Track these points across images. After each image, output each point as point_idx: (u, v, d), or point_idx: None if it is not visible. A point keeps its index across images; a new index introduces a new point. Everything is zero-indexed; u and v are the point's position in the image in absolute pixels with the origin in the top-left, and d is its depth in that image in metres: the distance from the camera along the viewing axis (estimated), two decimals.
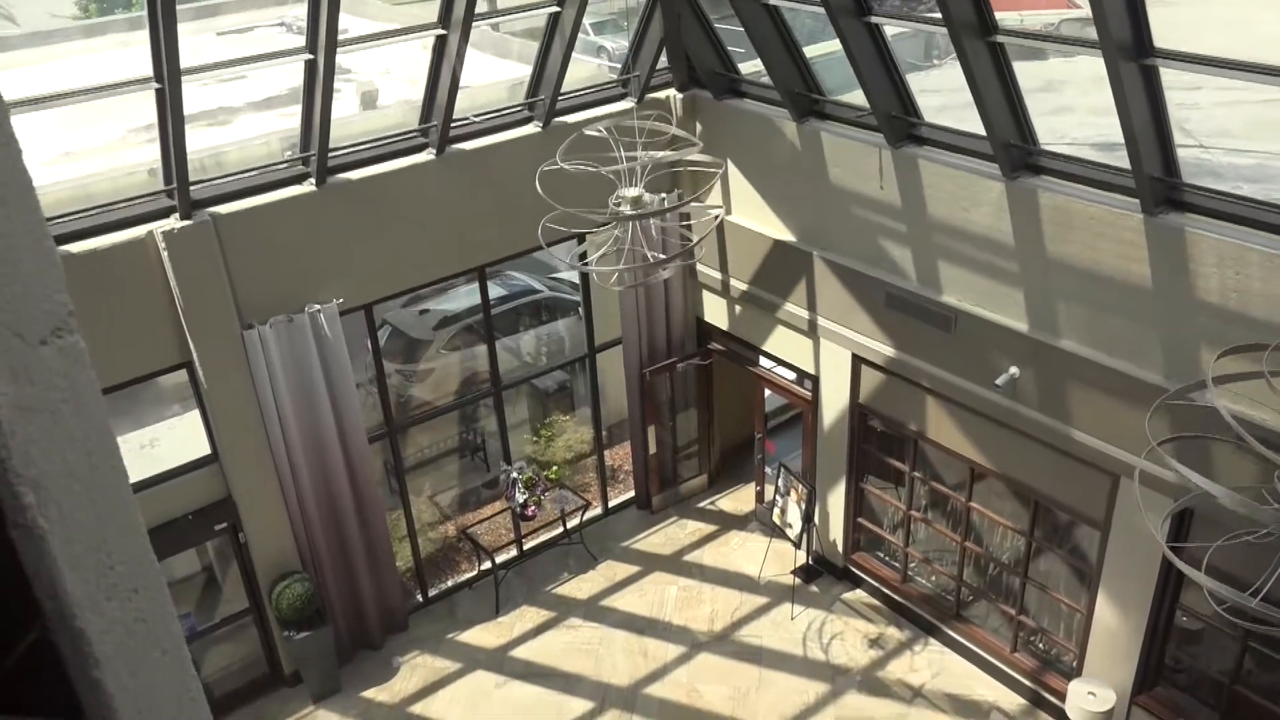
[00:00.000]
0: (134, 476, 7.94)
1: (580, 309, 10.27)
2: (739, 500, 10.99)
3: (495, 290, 12.31)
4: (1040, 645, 8.44)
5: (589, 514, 10.72)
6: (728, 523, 10.71)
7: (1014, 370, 7.35)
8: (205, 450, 8.06)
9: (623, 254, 6.28)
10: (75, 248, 6.90)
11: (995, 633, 8.66)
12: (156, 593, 0.99)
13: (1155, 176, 6.20)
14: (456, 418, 12.20)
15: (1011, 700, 8.45)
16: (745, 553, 10.27)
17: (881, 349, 8.34)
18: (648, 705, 8.63)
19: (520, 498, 9.52)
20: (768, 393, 11.18)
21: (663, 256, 6.90)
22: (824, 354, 8.97)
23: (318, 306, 7.94)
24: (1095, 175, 6.68)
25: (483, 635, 9.47)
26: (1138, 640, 7.41)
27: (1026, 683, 8.40)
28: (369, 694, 8.92)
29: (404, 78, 11.18)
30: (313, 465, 8.41)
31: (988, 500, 8.32)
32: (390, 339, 12.30)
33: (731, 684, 8.77)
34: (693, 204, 7.31)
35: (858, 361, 8.69)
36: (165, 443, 8.54)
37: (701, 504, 11.00)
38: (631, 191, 6.13)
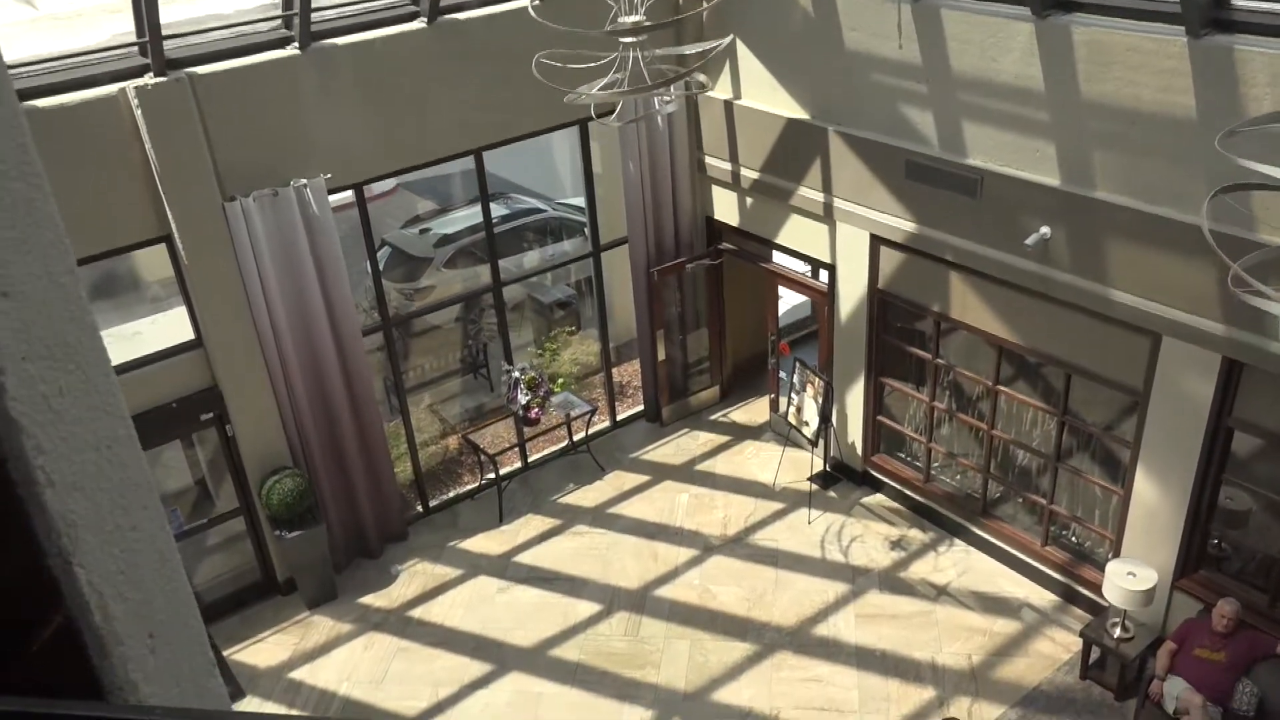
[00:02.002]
0: (114, 360, 7.55)
1: (584, 207, 9.80)
2: (753, 412, 10.53)
3: (498, 210, 11.89)
4: (1073, 538, 7.97)
5: (597, 427, 10.30)
6: (741, 434, 10.26)
7: (1045, 230, 6.87)
8: (189, 335, 7.65)
9: (624, 87, 5.81)
10: (42, 103, 6.48)
11: (1025, 528, 8.19)
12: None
13: None
14: (459, 339, 11.80)
15: (1042, 597, 7.99)
16: (759, 461, 9.81)
17: (901, 225, 7.86)
18: (658, 606, 8.20)
19: (523, 399, 9.08)
20: (782, 310, 10.74)
21: (668, 98, 6.43)
22: (840, 239, 8.49)
23: (304, 181, 7.51)
24: (1133, 4, 6.17)
25: (486, 543, 9.05)
26: (1179, 521, 6.93)
27: (1058, 577, 7.93)
28: (366, 600, 8.53)
29: None
30: (303, 355, 8.00)
31: (1016, 383, 7.84)
32: (390, 260, 11.90)
33: (746, 585, 8.33)
34: (695, 47, 6.83)
35: (876, 243, 8.20)
36: (149, 336, 8.13)
37: (713, 416, 10.55)
38: (632, 17, 5.66)
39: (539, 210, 12.55)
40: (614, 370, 10.61)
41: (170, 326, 7.91)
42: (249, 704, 7.60)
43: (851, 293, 8.60)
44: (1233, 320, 6.08)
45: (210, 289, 7.44)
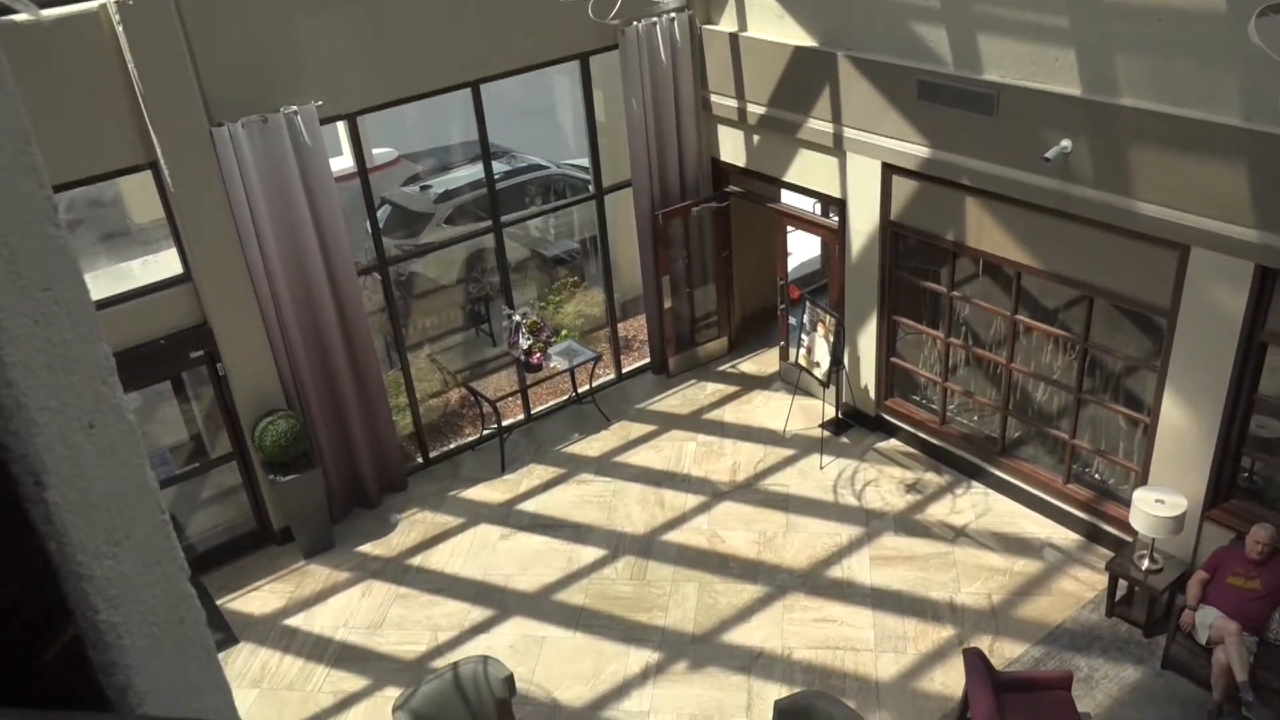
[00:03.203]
0: (99, 294, 7.31)
1: (589, 166, 9.52)
2: (762, 363, 10.24)
3: (500, 167, 11.63)
4: (1096, 474, 7.65)
5: (601, 379, 10.03)
6: (750, 384, 9.97)
7: (1066, 143, 6.56)
8: (177, 269, 7.40)
9: None
10: (19, 18, 6.24)
11: (1046, 467, 7.88)
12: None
13: None
14: (461, 300, 11.55)
15: (1065, 537, 7.68)
16: (769, 410, 9.52)
17: (915, 151, 7.56)
18: (665, 551, 7.92)
19: (524, 344, 8.80)
20: (792, 267, 10.43)
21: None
22: (851, 171, 8.19)
23: (295, 108, 7.26)
24: None
25: (487, 492, 8.79)
26: (1209, 447, 6.61)
27: (1081, 515, 7.62)
28: (364, 548, 8.27)
29: None
30: (296, 292, 7.74)
31: (1035, 312, 7.54)
32: (390, 218, 11.66)
33: (756, 529, 8.04)
34: None
35: (888, 172, 7.91)
36: (139, 276, 7.88)
37: (721, 367, 10.26)
38: None
39: (542, 167, 12.29)
40: (619, 325, 10.33)
41: (160, 266, 7.67)
42: (241, 651, 7.35)
43: (863, 228, 8.30)
44: (1267, 224, 5.78)
45: (198, 220, 7.19)
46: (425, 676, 6.00)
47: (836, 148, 8.21)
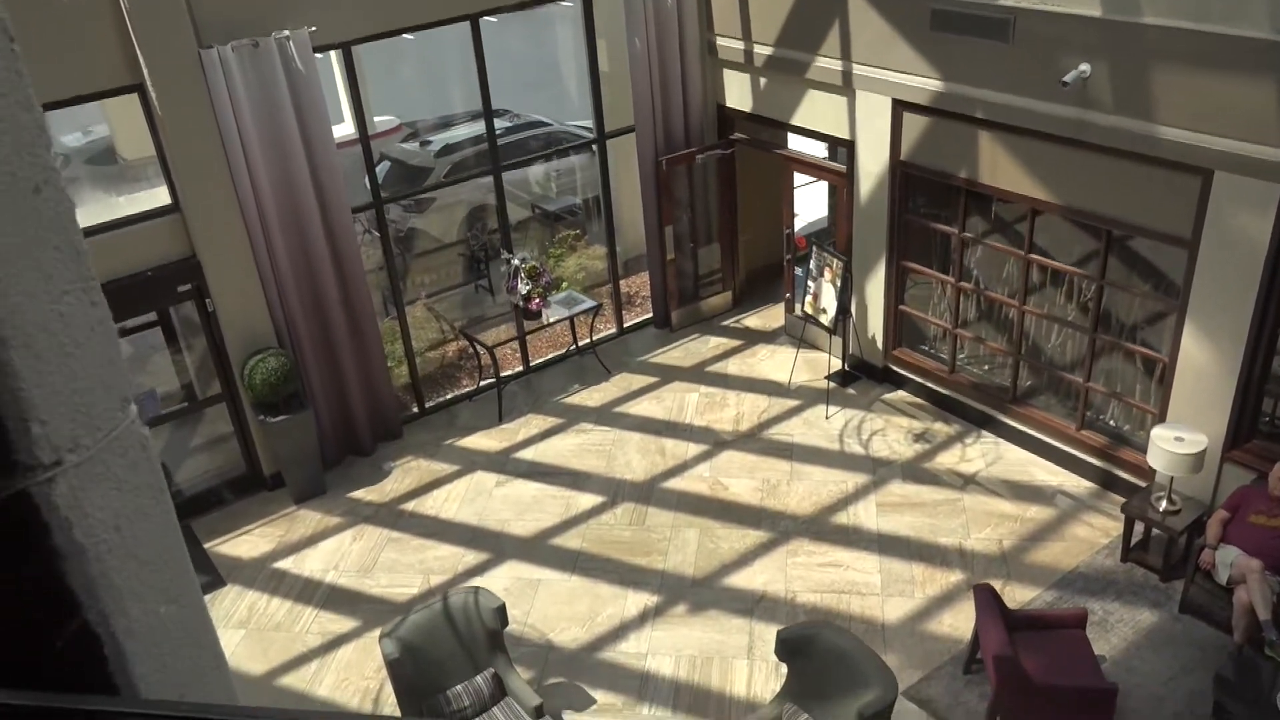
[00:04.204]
0: (84, 221, 7.10)
1: (591, 127, 9.29)
2: (767, 318, 10.01)
3: (502, 124, 11.41)
4: (1111, 421, 7.41)
5: (603, 333, 9.81)
6: (754, 338, 9.75)
7: (1085, 67, 6.32)
8: (165, 200, 7.19)
9: None
10: None
11: (1059, 413, 7.64)
12: None
13: None
14: (460, 261, 11.33)
15: (1078, 484, 7.44)
16: (774, 363, 9.29)
17: (926, 85, 7.33)
18: (665, 498, 7.69)
19: (523, 289, 8.58)
20: (799, 225, 10.17)
21: None
22: (861, 110, 7.95)
23: (287, 33, 7.04)
24: None
25: (484, 440, 8.57)
26: (1231, 384, 6.37)
27: (1095, 463, 7.38)
28: (357, 494, 8.06)
29: None
30: (287, 226, 7.52)
31: (1050, 253, 7.29)
32: (389, 174, 11.44)
33: (760, 477, 7.82)
34: None
35: (899, 109, 7.67)
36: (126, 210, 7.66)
37: (725, 322, 10.03)
38: None
39: (543, 124, 12.06)
40: (621, 284, 10.11)
41: (150, 201, 7.45)
42: (228, 593, 7.14)
43: (872, 169, 8.06)
44: None
45: (186, 147, 6.97)
46: (414, 607, 5.78)
47: (846, 86, 7.97)
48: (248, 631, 6.80)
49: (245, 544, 7.64)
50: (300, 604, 7.02)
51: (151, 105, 6.80)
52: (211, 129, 6.97)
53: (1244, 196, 5.88)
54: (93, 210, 7.41)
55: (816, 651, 5.16)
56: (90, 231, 6.83)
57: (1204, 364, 6.45)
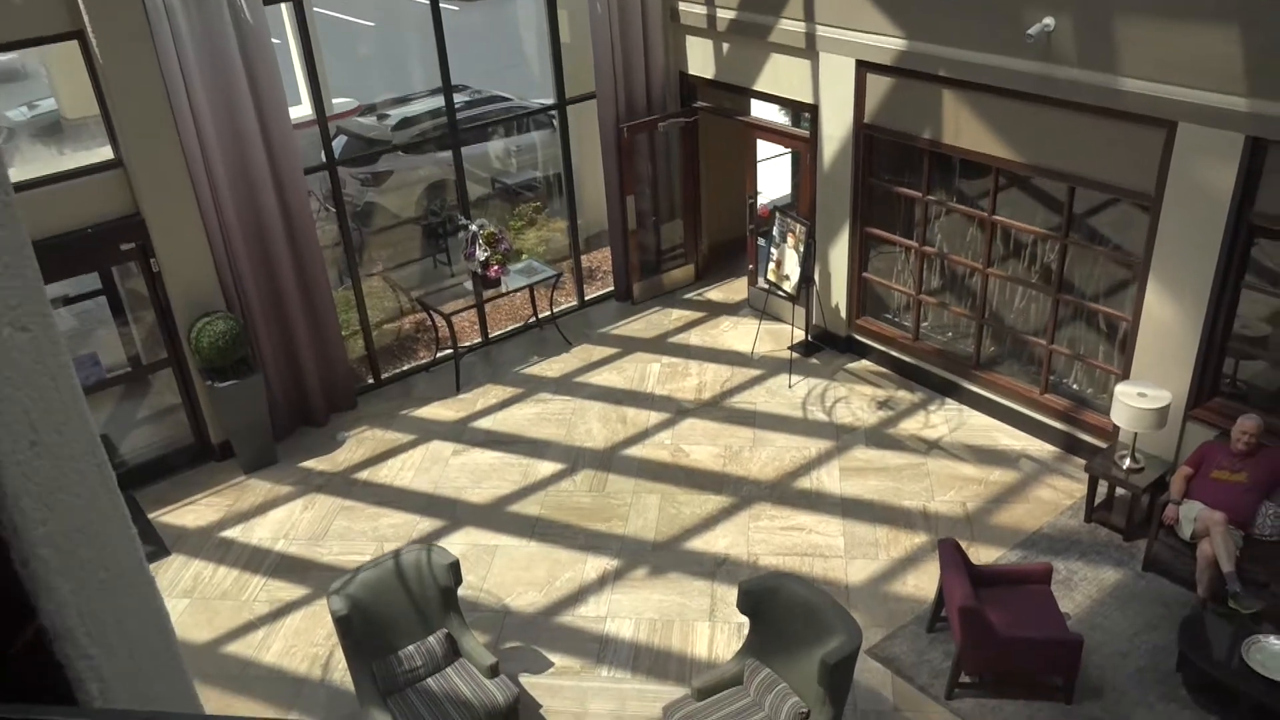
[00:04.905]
0: (21, 175, 6.83)
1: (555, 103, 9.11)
2: (729, 291, 9.90)
3: (461, 98, 11.20)
4: (1075, 384, 7.37)
5: (563, 306, 9.64)
6: (717, 310, 9.63)
7: (1049, 20, 6.26)
8: (108, 155, 6.93)
9: None
10: None
11: (1022, 379, 7.58)
12: None
13: None
14: (419, 237, 11.11)
15: (1041, 449, 7.38)
16: (737, 334, 9.18)
17: (890, 44, 7.25)
18: (626, 465, 7.54)
19: (481, 255, 8.39)
20: (763, 201, 10.07)
21: None
22: (824, 72, 7.86)
23: None
24: None
25: (441, 410, 8.37)
26: (1194, 340, 6.33)
27: (1059, 426, 7.33)
28: (309, 464, 7.83)
29: None
30: (237, 184, 7.29)
31: (1014, 213, 7.23)
32: (346, 147, 11.18)
33: (721, 444, 7.69)
34: None
35: (862, 70, 7.59)
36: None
37: (688, 295, 9.91)
38: None
39: (503, 99, 11.87)
40: (583, 258, 9.95)
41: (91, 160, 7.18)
42: (173, 563, 6.88)
43: (835, 133, 7.97)
44: (1258, 91, 5.50)
45: (129, 98, 6.72)
46: (364, 564, 5.59)
47: (809, 48, 7.88)
48: (192, 600, 6.56)
49: (192, 513, 7.39)
50: (248, 572, 6.78)
51: (93, 54, 6.55)
52: (155, 80, 6.73)
53: (1207, 148, 5.84)
54: (30, 167, 7.12)
55: (779, 602, 5.03)
56: (25, 185, 6.56)
57: (1167, 321, 6.41)
